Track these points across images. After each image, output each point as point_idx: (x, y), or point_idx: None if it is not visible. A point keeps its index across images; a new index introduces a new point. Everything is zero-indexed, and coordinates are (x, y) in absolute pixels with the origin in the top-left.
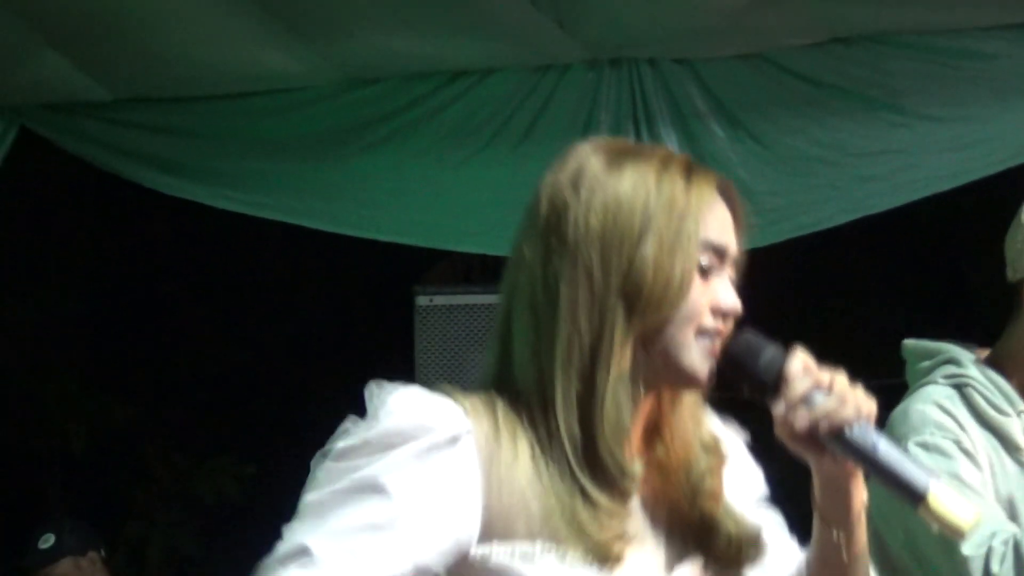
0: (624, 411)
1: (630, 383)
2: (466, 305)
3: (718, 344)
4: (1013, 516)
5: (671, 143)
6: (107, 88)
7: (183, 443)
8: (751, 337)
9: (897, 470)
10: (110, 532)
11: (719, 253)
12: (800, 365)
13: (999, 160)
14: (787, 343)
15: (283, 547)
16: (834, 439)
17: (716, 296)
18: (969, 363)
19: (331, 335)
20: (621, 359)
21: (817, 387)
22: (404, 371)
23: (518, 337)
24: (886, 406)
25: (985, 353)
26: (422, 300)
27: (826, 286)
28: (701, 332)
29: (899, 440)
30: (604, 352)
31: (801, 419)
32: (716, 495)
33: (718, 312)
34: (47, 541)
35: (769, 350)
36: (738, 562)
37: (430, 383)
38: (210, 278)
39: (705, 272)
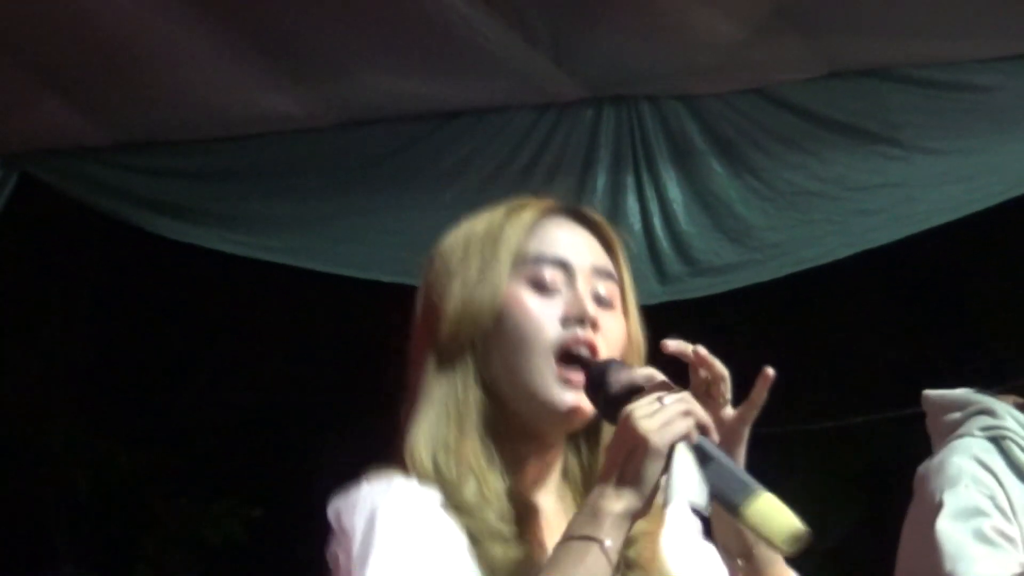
0: (440, 449)
1: (450, 416)
2: None
3: (581, 357)
4: None
5: (670, 180)
6: (108, 132)
7: (189, 487)
8: (610, 360)
9: (734, 470)
10: None
11: (560, 265)
12: (647, 375)
13: (999, 191)
14: (791, 379)
15: None
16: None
17: (562, 308)
18: (1006, 414)
19: (336, 377)
20: (429, 391)
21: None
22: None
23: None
24: (894, 437)
25: (1011, 399)
26: None
27: (828, 320)
28: (558, 354)
29: (934, 492)
30: (415, 392)
31: (652, 431)
32: (647, 563)
33: (569, 321)
34: None
35: (623, 368)
36: None
37: None
38: (213, 321)
39: (545, 288)
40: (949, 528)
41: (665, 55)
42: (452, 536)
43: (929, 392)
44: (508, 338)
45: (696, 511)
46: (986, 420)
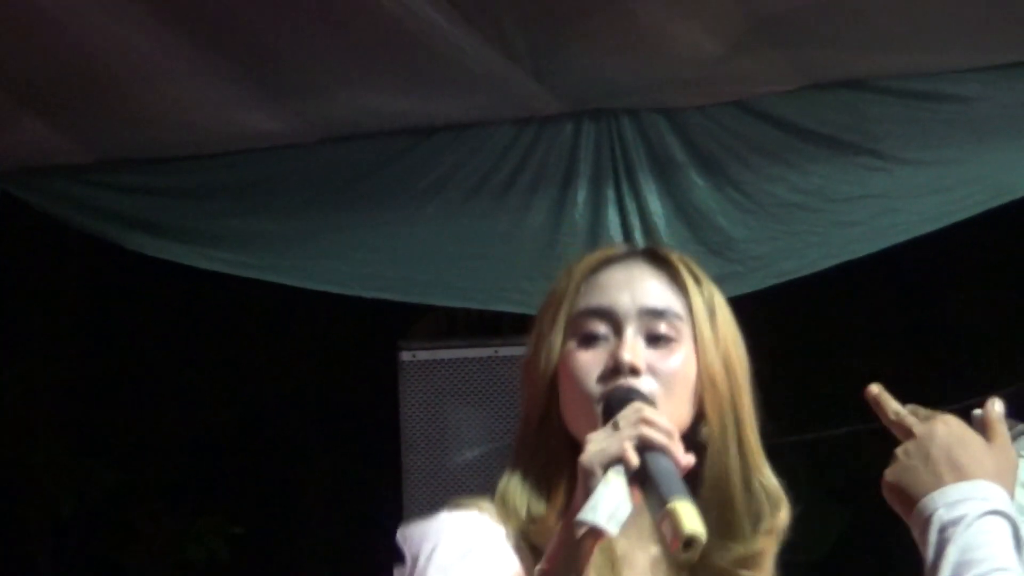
0: (526, 483)
1: (536, 458)
2: (450, 360)
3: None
4: None
5: (651, 193)
6: (88, 151)
7: (171, 505)
8: (620, 387)
9: (662, 479)
10: None
11: (605, 315)
12: (633, 405)
13: (979, 202)
14: (774, 392)
15: None
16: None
17: (603, 360)
18: None
19: (316, 392)
20: (523, 439)
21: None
22: (389, 427)
23: None
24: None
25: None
26: (406, 356)
27: (810, 333)
28: (600, 400)
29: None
30: (516, 439)
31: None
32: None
33: (606, 373)
34: None
35: (625, 394)
36: None
37: (415, 438)
38: (193, 339)
39: (590, 339)
40: None
41: (644, 69)
42: (509, 565)
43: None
44: (565, 396)
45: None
46: None
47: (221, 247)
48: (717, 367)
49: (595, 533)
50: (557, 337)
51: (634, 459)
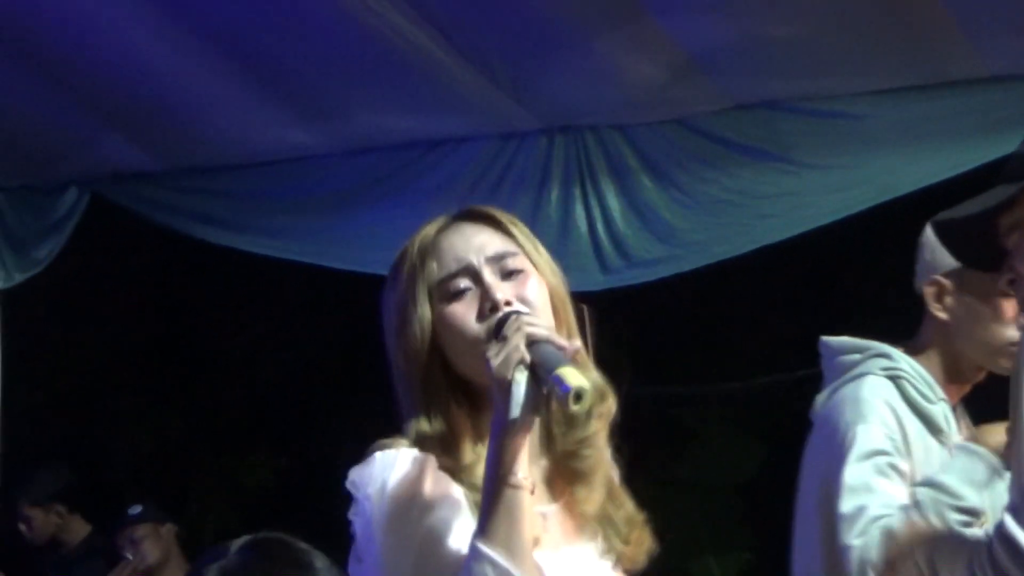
0: (435, 430)
1: (439, 404)
2: None
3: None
4: None
5: (610, 193)
6: (160, 161)
7: (228, 443)
8: (500, 315)
9: (547, 359)
10: (172, 515)
11: (464, 272)
12: (497, 321)
13: (869, 199)
14: (708, 349)
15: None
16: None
17: (477, 305)
18: (899, 357)
19: (348, 351)
20: (416, 394)
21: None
22: None
23: None
24: (790, 395)
25: (900, 348)
26: None
27: (738, 302)
28: (487, 340)
29: (848, 425)
30: (402, 390)
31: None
32: (584, 473)
33: (483, 313)
34: (135, 509)
35: (501, 320)
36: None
37: None
38: (245, 313)
39: (459, 294)
40: (855, 468)
41: (604, 93)
42: (452, 496)
43: (827, 337)
44: (452, 348)
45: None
46: (884, 362)
47: (268, 237)
48: (556, 282)
49: (524, 426)
50: (424, 308)
51: (527, 355)
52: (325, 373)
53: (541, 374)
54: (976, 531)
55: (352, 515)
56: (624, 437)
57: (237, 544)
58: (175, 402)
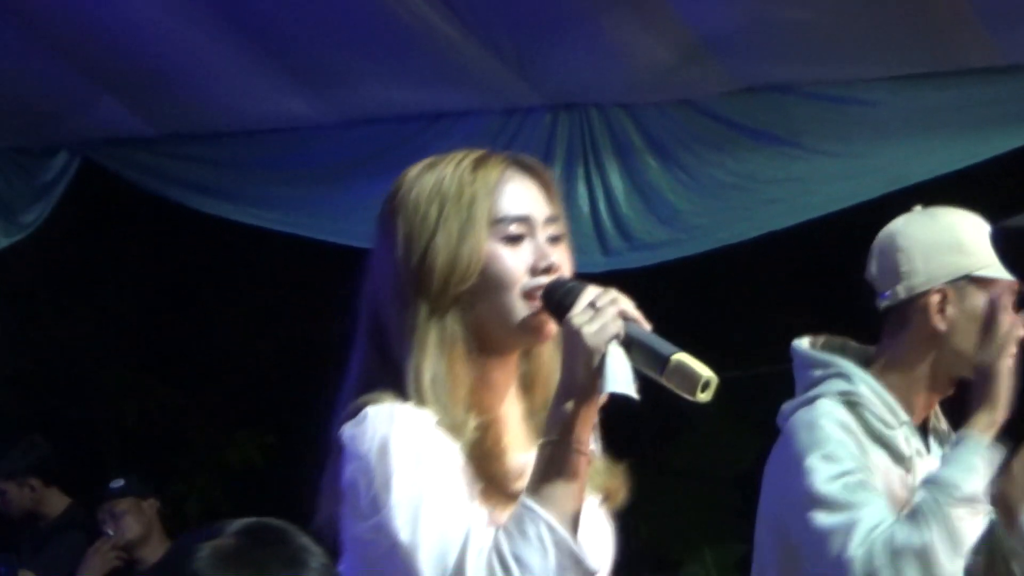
0: (437, 377)
1: (442, 352)
2: None
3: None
4: (894, 513)
5: (613, 173)
6: (154, 126)
7: (215, 419)
8: (557, 279)
9: (654, 345)
10: (156, 491)
11: (524, 221)
12: (589, 291)
13: (879, 188)
14: (707, 337)
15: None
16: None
17: (530, 258)
18: (858, 380)
19: (334, 330)
20: (423, 336)
21: (595, 306)
22: None
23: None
24: (788, 386)
25: (873, 359)
26: None
27: (738, 291)
28: (525, 294)
29: (802, 452)
30: (408, 334)
31: (594, 323)
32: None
33: (537, 271)
34: (117, 483)
35: (567, 285)
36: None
37: None
38: (237, 284)
39: (514, 239)
40: (828, 488)
41: (611, 71)
42: (450, 452)
43: (796, 344)
44: (489, 286)
45: (627, 398)
46: (842, 385)
47: (262, 207)
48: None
49: (599, 398)
50: (480, 238)
51: (623, 330)
52: (317, 350)
53: (637, 353)
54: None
55: (348, 473)
56: (618, 426)
57: (234, 526)
58: (162, 372)
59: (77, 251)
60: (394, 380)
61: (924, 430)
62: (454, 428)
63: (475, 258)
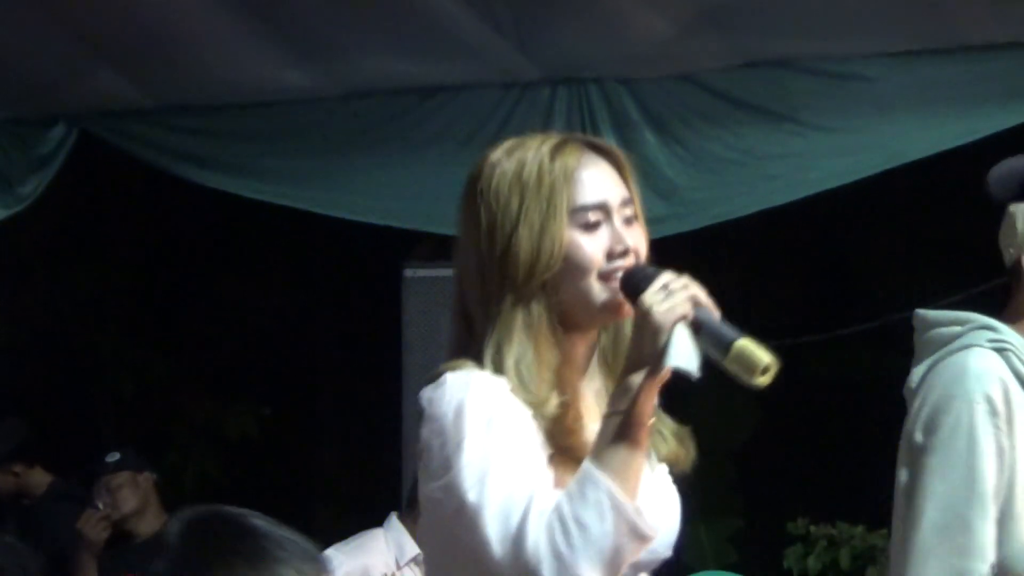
0: (522, 358)
1: (528, 334)
2: (444, 276)
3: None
4: None
5: None
6: (152, 97)
7: (212, 390)
8: (637, 265)
9: (720, 330)
10: (152, 462)
11: (600, 207)
12: (664, 276)
13: (878, 164)
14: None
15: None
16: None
17: (607, 243)
18: (1004, 329)
19: (332, 302)
20: (508, 320)
21: (668, 288)
22: (393, 333)
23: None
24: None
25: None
26: (408, 273)
27: (740, 267)
28: (603, 276)
29: (951, 397)
30: (493, 317)
31: (664, 304)
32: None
33: (613, 255)
34: (113, 457)
35: (647, 270)
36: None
37: (414, 341)
38: (233, 256)
39: (592, 227)
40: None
41: (609, 45)
42: (523, 417)
43: (924, 311)
44: (569, 273)
45: (687, 374)
46: (990, 333)
47: (259, 180)
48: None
49: (665, 375)
50: (562, 227)
51: (692, 312)
52: (314, 322)
53: (704, 336)
54: None
55: (424, 434)
56: None
57: (175, 528)
58: (159, 343)
59: (74, 222)
60: (477, 355)
61: None
62: (537, 405)
63: (557, 248)
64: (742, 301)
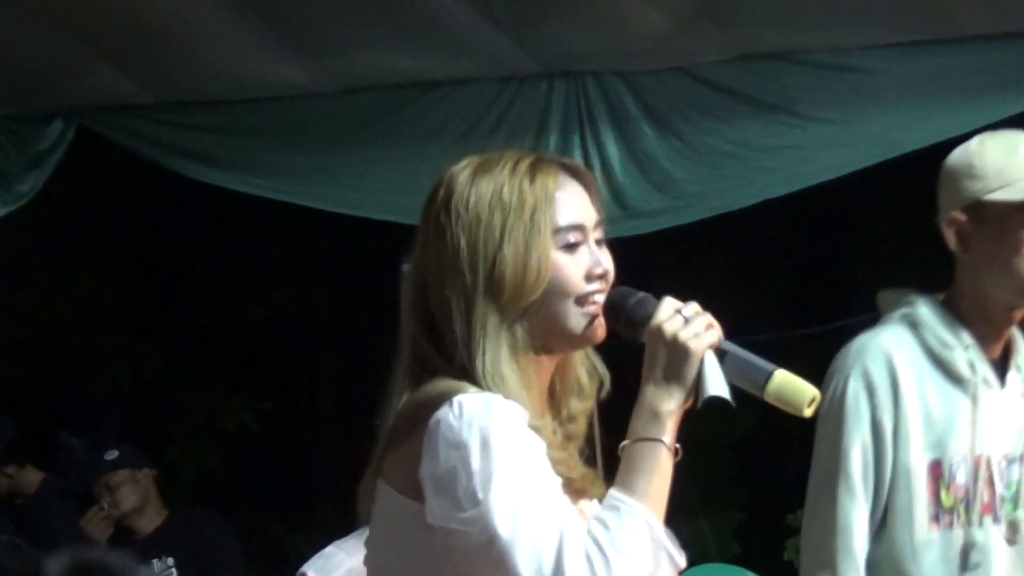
0: (510, 381)
1: (513, 357)
2: None
3: (598, 300)
4: (946, 437)
5: (609, 140)
6: (150, 93)
7: (211, 384)
8: (622, 289)
9: (751, 360)
10: (151, 458)
11: (578, 229)
12: (670, 301)
13: (874, 155)
14: (704, 304)
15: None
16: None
17: (586, 265)
18: (921, 304)
19: (331, 296)
20: (496, 342)
21: (683, 315)
22: (391, 324)
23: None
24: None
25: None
26: (406, 267)
27: (735, 258)
28: (580, 300)
29: (835, 371)
30: (478, 340)
31: (681, 331)
32: (576, 438)
33: (592, 277)
34: (112, 454)
35: (637, 295)
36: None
37: None
38: (232, 251)
39: (572, 247)
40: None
41: (607, 39)
42: (542, 447)
43: (883, 291)
44: (550, 294)
45: (722, 402)
46: (905, 309)
47: (257, 175)
48: None
49: (709, 402)
50: (547, 249)
51: (718, 341)
52: (313, 316)
53: (732, 365)
54: None
55: (444, 461)
56: (614, 394)
57: (55, 570)
58: (157, 337)
59: (72, 218)
60: (464, 376)
61: (1004, 366)
62: (535, 427)
63: (544, 267)
64: (738, 293)
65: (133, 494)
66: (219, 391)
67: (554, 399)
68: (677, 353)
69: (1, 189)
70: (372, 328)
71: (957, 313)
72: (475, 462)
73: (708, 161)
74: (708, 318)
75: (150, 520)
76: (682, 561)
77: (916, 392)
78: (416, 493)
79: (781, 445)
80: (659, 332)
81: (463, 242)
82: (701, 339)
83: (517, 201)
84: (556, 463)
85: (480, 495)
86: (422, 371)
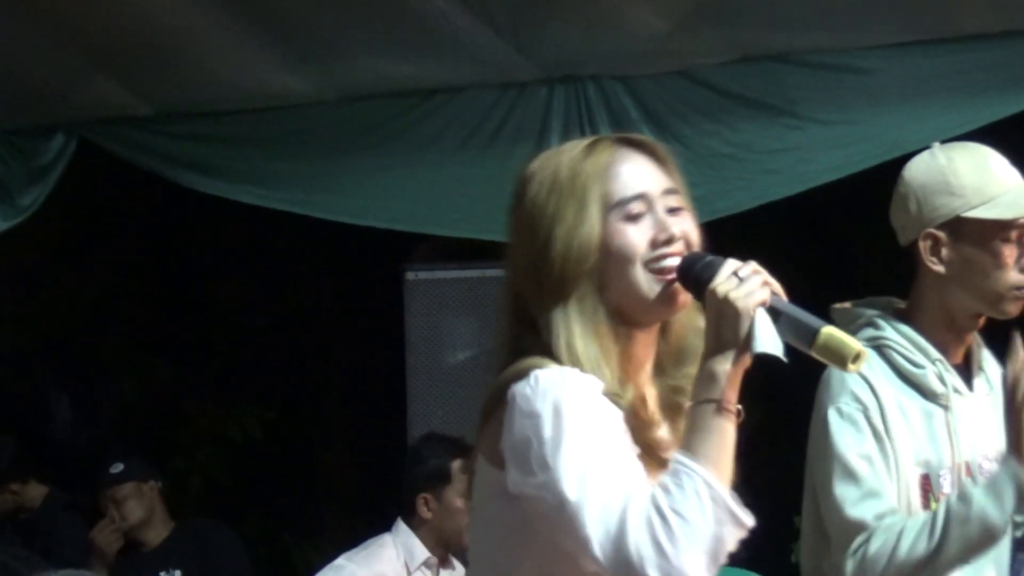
0: (589, 352)
1: (589, 330)
2: (446, 279)
3: (669, 264)
4: (930, 451)
5: None
6: (150, 104)
7: (216, 393)
8: (694, 253)
9: (802, 317)
10: (157, 467)
11: (641, 198)
12: (731, 262)
13: (875, 155)
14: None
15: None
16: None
17: (651, 232)
18: (886, 325)
19: (335, 305)
20: (565, 318)
21: (739, 275)
22: (395, 335)
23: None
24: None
25: (902, 305)
26: (410, 275)
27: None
28: (648, 265)
29: (822, 404)
30: (551, 318)
31: (737, 290)
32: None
33: (658, 243)
34: (117, 468)
35: (706, 258)
36: None
37: (417, 343)
38: (235, 260)
39: (635, 217)
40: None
41: (606, 43)
42: (616, 415)
43: (835, 306)
44: (613, 264)
45: (773, 358)
46: (870, 332)
47: (259, 185)
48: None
49: (746, 361)
50: (595, 220)
51: (769, 298)
52: (317, 325)
53: (785, 323)
54: None
55: (518, 430)
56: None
57: None
58: (162, 347)
59: (75, 229)
60: (547, 353)
61: (968, 369)
62: (614, 397)
63: (591, 240)
64: None
65: (139, 507)
66: (224, 400)
67: (662, 375)
68: (727, 312)
69: (4, 203)
70: (376, 336)
71: (919, 325)
72: (547, 430)
73: (709, 164)
74: (763, 276)
75: (157, 532)
76: (748, 520)
77: (898, 412)
78: (501, 463)
79: (784, 446)
80: (713, 293)
81: (527, 228)
82: (752, 298)
83: (568, 181)
84: (641, 431)
85: (550, 460)
86: (519, 355)
